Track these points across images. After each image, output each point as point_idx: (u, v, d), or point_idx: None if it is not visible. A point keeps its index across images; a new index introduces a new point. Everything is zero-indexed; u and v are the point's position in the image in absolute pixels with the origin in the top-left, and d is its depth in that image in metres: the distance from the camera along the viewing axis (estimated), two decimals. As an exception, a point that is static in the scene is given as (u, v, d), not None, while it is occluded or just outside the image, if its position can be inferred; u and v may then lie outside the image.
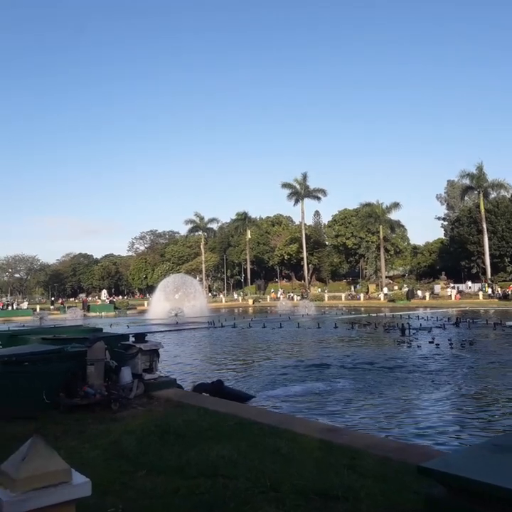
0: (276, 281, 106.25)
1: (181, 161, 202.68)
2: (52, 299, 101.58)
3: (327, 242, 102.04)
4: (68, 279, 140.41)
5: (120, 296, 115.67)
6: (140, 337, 10.15)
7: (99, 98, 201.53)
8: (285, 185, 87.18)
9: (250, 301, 73.89)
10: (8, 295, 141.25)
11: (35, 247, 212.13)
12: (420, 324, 29.46)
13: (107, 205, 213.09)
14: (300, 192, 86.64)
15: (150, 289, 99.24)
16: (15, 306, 72.13)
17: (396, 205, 79.71)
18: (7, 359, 8.40)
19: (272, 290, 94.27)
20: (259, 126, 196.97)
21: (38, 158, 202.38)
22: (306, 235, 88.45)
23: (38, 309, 65.67)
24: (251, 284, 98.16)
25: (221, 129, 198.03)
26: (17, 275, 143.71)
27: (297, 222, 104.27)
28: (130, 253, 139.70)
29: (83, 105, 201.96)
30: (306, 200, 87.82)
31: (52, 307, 72.84)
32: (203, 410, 7.77)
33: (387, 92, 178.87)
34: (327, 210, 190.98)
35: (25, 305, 74.63)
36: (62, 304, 79.23)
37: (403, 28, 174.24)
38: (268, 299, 78.31)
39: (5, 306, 71.80)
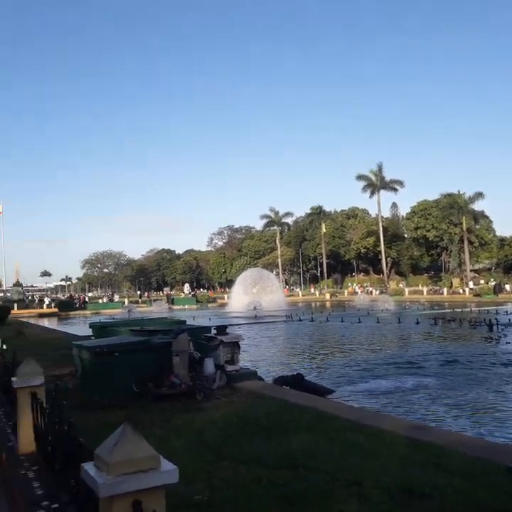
0: (353, 275, 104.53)
1: (256, 157, 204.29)
2: (139, 292, 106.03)
3: (406, 235, 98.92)
4: (153, 273, 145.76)
5: (201, 290, 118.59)
6: (222, 329, 10.41)
7: (176, 100, 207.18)
8: (360, 177, 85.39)
9: (327, 295, 73.18)
10: (99, 289, 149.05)
11: (122, 243, 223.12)
12: (509, 320, 27.92)
13: (187, 203, 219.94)
14: (376, 184, 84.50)
15: (229, 282, 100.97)
16: (115, 299, 77.43)
17: (479, 195, 75.72)
18: (99, 350, 8.91)
19: (350, 284, 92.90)
20: (334, 118, 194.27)
21: (126, 159, 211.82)
22: (383, 227, 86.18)
23: (126, 302, 68.81)
24: (327, 278, 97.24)
25: (295, 123, 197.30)
26: (106, 270, 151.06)
27: (373, 215, 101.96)
28: (209, 248, 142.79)
29: (161, 107, 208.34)
30: (382, 191, 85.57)
31: (139, 300, 76.03)
32: (283, 402, 7.86)
33: (464, 80, 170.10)
34: (405, 201, 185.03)
35: (116, 298, 78.94)
36: (148, 297, 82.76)
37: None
38: (345, 293, 77.18)
39: (108, 300, 76.88)
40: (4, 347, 9.65)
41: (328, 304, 59.92)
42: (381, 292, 68.58)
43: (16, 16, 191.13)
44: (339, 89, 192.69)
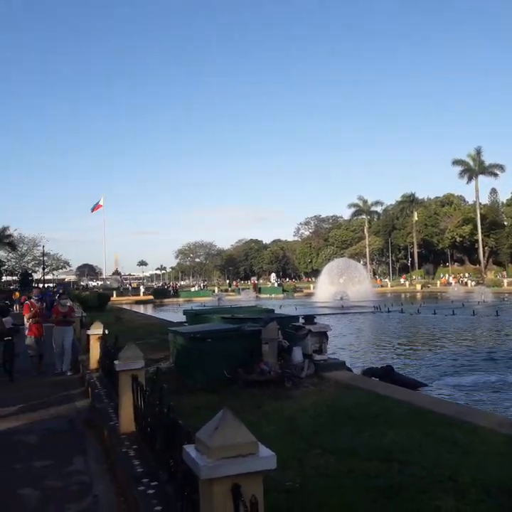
0: (447, 266, 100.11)
1: (344, 146, 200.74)
2: (228, 281, 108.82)
3: (506, 223, 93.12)
4: (241, 263, 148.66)
5: (287, 280, 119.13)
6: (309, 319, 10.41)
7: (266, 87, 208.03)
8: (456, 162, 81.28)
9: (418, 286, 70.57)
10: (190, 277, 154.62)
11: (213, 234, 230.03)
12: None
13: (274, 194, 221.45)
14: (474, 169, 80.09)
15: (315, 272, 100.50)
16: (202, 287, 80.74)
17: None
18: (193, 336, 9.24)
19: (442, 275, 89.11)
20: (427, 100, 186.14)
21: (217, 151, 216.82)
22: (481, 214, 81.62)
23: (216, 291, 70.81)
24: (418, 268, 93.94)
25: (385, 108, 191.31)
26: (197, 260, 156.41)
27: (470, 202, 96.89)
28: (296, 238, 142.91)
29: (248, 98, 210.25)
30: (480, 177, 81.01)
31: (229, 289, 77.94)
32: (374, 394, 7.73)
33: None
34: (506, 187, 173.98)
35: (215, 289, 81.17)
36: (236, 286, 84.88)
37: None
38: (438, 284, 74.05)
39: (201, 288, 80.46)
40: (106, 332, 10.28)
41: (418, 295, 57.90)
42: (477, 283, 65.10)
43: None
44: (434, 69, 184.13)
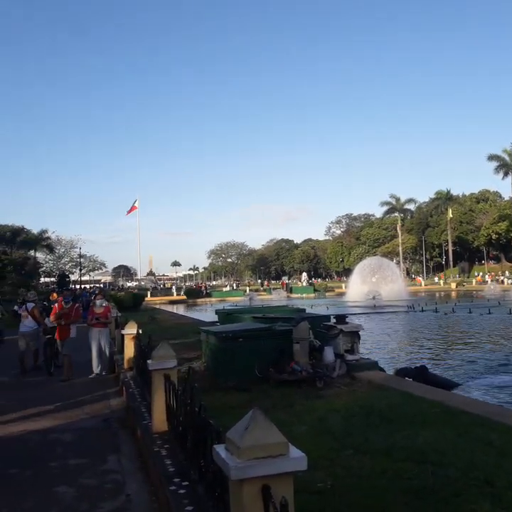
0: (483, 263, 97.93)
1: (375, 142, 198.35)
2: (260, 281, 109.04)
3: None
4: (272, 262, 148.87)
5: (319, 279, 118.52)
6: (341, 318, 10.34)
7: (293, 90, 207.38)
8: (492, 158, 79.54)
9: (453, 285, 69.18)
10: (223, 277, 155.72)
11: (244, 234, 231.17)
12: None
13: (305, 193, 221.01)
14: (509, 164, 78.22)
15: (347, 271, 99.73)
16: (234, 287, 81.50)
17: None
18: (225, 335, 9.31)
19: (478, 273, 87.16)
20: (461, 95, 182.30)
21: (247, 151, 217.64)
22: (518, 211, 79.65)
23: (247, 290, 71.01)
24: (453, 266, 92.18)
25: (418, 104, 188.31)
26: (229, 260, 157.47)
27: (507, 198, 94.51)
28: (327, 237, 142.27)
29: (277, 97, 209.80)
30: (517, 172, 78.99)
31: (261, 288, 78.03)
32: (407, 395, 7.62)
33: None
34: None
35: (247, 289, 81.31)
36: (268, 285, 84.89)
37: None
38: (473, 283, 72.45)
39: (234, 288, 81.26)
40: (140, 331, 10.43)
41: (453, 294, 56.78)
42: (514, 281, 63.46)
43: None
44: (467, 65, 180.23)
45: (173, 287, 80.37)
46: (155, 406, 5.60)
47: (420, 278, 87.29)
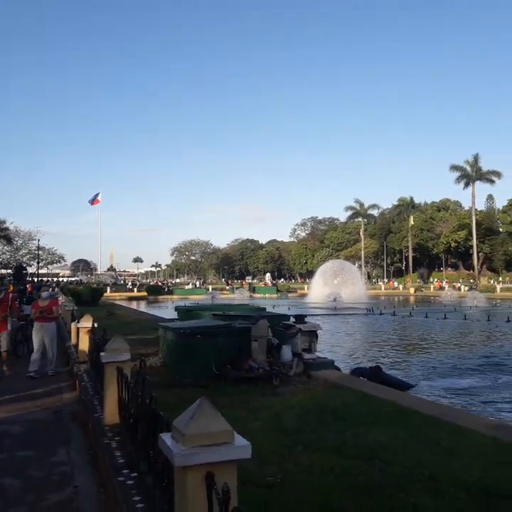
0: (441, 270, 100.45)
1: (340, 147, 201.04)
2: (223, 279, 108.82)
3: (501, 229, 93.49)
4: (237, 262, 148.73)
5: (282, 280, 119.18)
6: (300, 318, 10.44)
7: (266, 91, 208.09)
8: (454, 168, 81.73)
9: (412, 290, 70.79)
10: (185, 275, 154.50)
11: (209, 232, 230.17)
12: None
13: (271, 194, 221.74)
14: (471, 175, 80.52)
15: (310, 273, 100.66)
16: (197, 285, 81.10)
17: None
18: (183, 331, 9.24)
19: (436, 279, 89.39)
20: (424, 105, 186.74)
21: (215, 150, 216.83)
22: (476, 221, 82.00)
23: (210, 289, 70.80)
24: (413, 272, 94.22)
25: (383, 111, 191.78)
26: (193, 258, 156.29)
27: (467, 208, 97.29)
28: (292, 239, 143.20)
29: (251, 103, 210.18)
30: (477, 183, 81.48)
31: (227, 288, 78.02)
32: (361, 394, 7.76)
33: None
34: (502, 194, 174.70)
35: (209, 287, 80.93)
36: (231, 284, 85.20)
37: None
38: (431, 289, 74.25)
39: (198, 286, 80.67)
40: (95, 325, 10.25)
41: (412, 299, 58.06)
42: (470, 288, 65.33)
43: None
44: (435, 73, 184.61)
45: (129, 283, 79.43)
46: (107, 399, 5.51)
47: (394, 282, 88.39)
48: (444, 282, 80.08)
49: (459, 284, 74.87)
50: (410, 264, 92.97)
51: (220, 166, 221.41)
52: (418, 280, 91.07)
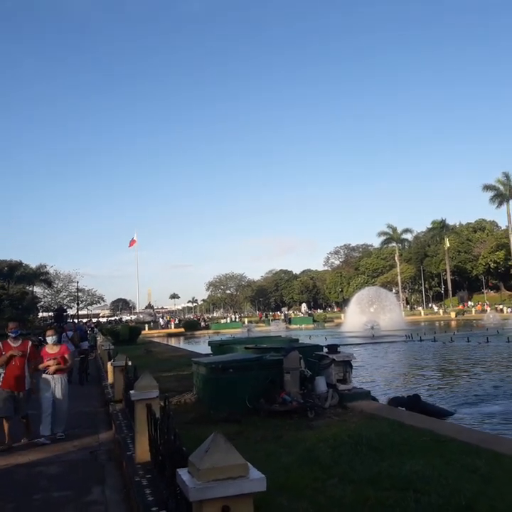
0: (482, 292, 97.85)
1: (371, 174, 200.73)
2: (257, 312, 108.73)
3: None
4: (271, 293, 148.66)
5: (318, 310, 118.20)
6: (333, 348, 10.34)
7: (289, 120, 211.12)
8: (487, 188, 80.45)
9: (452, 314, 69.01)
10: (221, 309, 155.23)
11: (243, 265, 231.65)
12: None
13: (302, 224, 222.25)
14: (504, 193, 79.03)
15: (346, 302, 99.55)
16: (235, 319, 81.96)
17: None
18: (214, 366, 9.29)
19: (478, 302, 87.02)
20: (455, 126, 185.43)
21: (246, 184, 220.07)
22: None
23: (246, 322, 70.85)
24: (452, 295, 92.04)
25: (411, 133, 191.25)
26: (228, 291, 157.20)
27: (504, 227, 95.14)
28: (326, 268, 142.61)
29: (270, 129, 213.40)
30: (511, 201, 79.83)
31: (265, 319, 77.92)
32: (397, 424, 7.58)
33: None
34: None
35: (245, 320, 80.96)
36: (266, 316, 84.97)
37: None
38: (473, 312, 72.29)
39: (235, 319, 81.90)
40: (130, 363, 10.40)
41: (453, 323, 56.55)
42: (513, 310, 63.30)
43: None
44: (463, 95, 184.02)
45: (161, 320, 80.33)
46: (138, 436, 5.58)
47: (439, 305, 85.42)
48: (486, 305, 77.85)
49: (501, 306, 72.67)
50: (449, 287, 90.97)
51: (250, 201, 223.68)
52: (460, 304, 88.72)
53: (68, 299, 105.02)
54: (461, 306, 75.94)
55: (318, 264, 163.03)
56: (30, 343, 8.93)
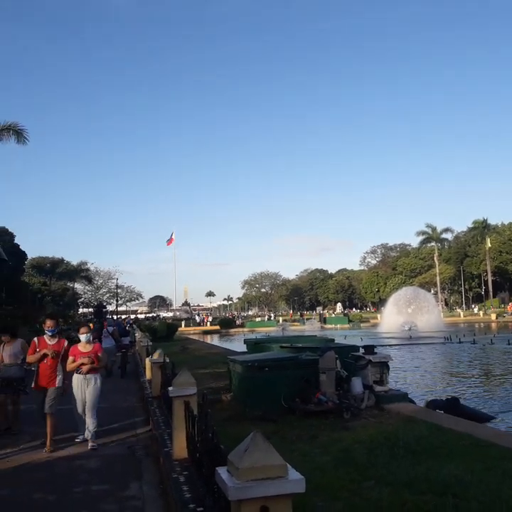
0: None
1: (411, 173, 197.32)
2: (291, 311, 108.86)
3: None
4: (306, 292, 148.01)
5: (354, 309, 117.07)
6: (369, 349, 10.23)
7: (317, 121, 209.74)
8: (531, 186, 78.03)
9: (493, 316, 67.17)
10: (256, 307, 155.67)
11: (278, 264, 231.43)
12: None
13: (339, 223, 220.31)
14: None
15: (382, 302, 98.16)
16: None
17: None
18: (250, 364, 9.32)
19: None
20: (499, 125, 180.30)
21: (281, 184, 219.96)
22: (560, 239, 77.36)
23: (280, 321, 70.90)
24: (493, 297, 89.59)
25: (451, 131, 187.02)
26: (263, 290, 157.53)
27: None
28: (362, 267, 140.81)
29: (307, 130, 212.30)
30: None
31: (300, 318, 78.03)
32: (435, 427, 7.45)
33: None
34: None
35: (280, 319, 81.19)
36: (291, 316, 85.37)
37: None
38: (512, 313, 70.25)
39: (270, 318, 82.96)
40: (167, 360, 10.54)
41: (493, 326, 55.09)
42: (558, 312, 61.18)
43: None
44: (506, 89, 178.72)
45: (197, 317, 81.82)
46: (175, 433, 5.65)
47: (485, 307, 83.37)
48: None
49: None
50: (490, 288, 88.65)
51: (286, 199, 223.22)
52: (502, 305, 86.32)
53: (108, 295, 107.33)
54: (509, 308, 73.61)
55: (354, 264, 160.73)
56: (66, 342, 8.53)
